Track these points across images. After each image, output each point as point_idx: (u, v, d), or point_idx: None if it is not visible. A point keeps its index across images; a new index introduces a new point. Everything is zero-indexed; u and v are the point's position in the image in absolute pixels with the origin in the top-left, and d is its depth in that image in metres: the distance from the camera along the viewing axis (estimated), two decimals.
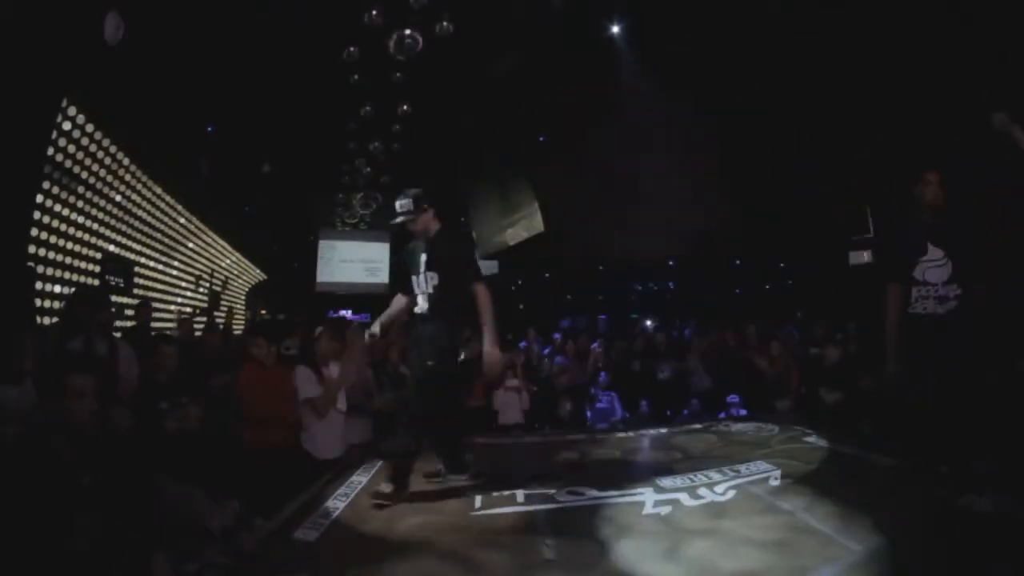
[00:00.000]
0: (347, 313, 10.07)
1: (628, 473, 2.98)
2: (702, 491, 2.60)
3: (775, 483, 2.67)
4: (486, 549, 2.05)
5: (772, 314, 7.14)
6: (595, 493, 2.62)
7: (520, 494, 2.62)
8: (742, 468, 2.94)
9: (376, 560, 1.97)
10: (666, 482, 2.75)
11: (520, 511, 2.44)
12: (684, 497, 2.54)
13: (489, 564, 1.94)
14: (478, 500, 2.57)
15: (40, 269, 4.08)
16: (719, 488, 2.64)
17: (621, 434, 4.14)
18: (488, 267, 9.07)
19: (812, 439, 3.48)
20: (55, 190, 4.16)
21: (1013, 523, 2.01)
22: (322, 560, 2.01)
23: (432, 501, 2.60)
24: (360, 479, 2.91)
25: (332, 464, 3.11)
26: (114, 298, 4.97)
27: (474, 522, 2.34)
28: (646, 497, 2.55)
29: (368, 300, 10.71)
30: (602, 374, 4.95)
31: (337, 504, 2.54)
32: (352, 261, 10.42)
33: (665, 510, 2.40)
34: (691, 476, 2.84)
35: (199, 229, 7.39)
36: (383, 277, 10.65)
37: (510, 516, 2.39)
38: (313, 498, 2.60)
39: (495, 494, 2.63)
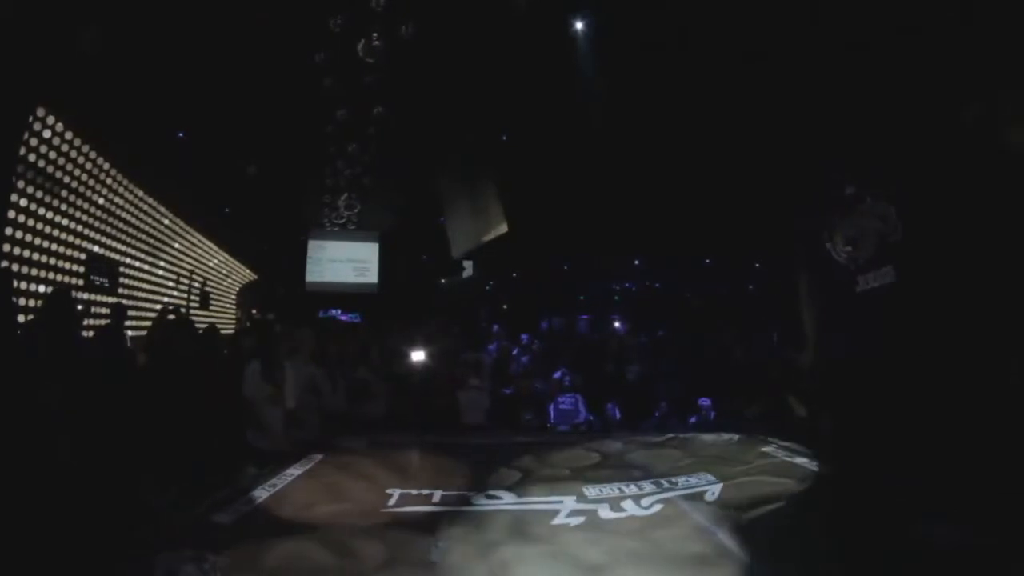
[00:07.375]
0: (337, 312, 10.26)
1: (557, 479, 2.94)
2: (626, 503, 2.53)
3: (711, 498, 2.55)
4: (378, 544, 2.09)
5: (758, 316, 6.97)
6: (512, 498, 2.62)
7: (437, 494, 2.64)
8: (680, 480, 2.83)
9: (265, 544, 2.05)
10: (592, 491, 2.68)
11: (431, 511, 2.47)
12: (604, 509, 2.46)
13: (372, 559, 1.97)
14: (395, 496, 2.61)
15: (24, 270, 4.28)
16: (646, 501, 2.55)
17: (577, 437, 4.10)
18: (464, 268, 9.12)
19: (771, 449, 3.28)
20: (38, 193, 4.36)
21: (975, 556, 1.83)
22: (227, 542, 2.07)
23: (351, 492, 2.65)
24: (293, 472, 2.96)
25: (274, 457, 3.18)
26: (95, 297, 5.17)
27: (383, 518, 2.38)
28: (564, 506, 2.50)
29: (357, 300, 10.89)
30: (567, 377, 4.92)
31: (262, 493, 2.60)
32: (341, 261, 10.58)
33: (577, 521, 2.34)
34: (622, 486, 2.74)
35: (184, 230, 7.62)
36: (372, 277, 10.79)
37: (419, 515, 2.42)
38: (241, 486, 2.68)
39: (414, 492, 2.66)
